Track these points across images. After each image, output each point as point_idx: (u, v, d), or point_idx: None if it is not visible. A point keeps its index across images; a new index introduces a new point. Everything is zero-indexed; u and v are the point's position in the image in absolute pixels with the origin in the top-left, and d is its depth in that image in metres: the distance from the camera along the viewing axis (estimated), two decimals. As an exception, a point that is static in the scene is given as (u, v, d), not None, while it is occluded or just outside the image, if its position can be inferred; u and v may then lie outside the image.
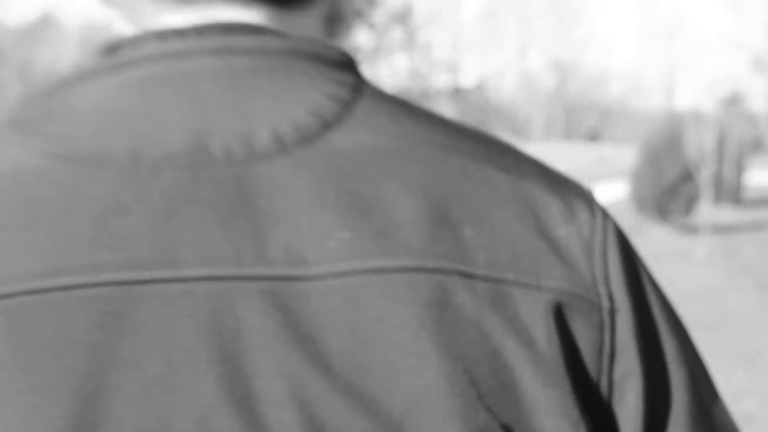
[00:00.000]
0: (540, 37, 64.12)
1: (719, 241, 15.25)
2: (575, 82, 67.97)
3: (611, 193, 27.15)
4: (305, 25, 0.51)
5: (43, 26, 58.97)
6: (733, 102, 28.15)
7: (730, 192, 21.40)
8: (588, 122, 64.60)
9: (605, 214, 0.55)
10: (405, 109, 0.50)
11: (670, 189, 16.23)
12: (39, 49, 55.89)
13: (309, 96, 0.47)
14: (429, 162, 0.47)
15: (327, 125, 0.46)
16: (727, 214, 20.11)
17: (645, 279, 0.51)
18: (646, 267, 0.52)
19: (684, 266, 12.09)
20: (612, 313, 0.47)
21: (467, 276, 0.45)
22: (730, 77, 58.48)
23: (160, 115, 0.46)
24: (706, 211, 14.10)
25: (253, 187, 0.45)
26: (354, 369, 0.43)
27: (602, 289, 0.48)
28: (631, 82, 66.24)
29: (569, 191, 0.53)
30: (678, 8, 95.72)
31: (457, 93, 62.44)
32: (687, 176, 16.23)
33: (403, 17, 58.36)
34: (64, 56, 54.87)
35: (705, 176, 14.17)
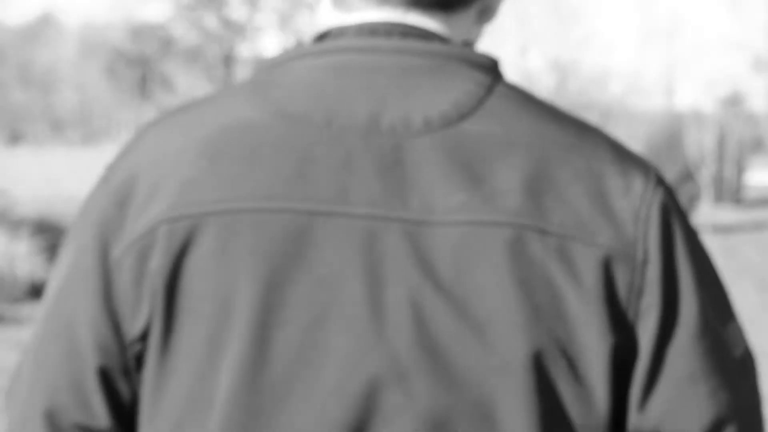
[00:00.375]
0: (540, 37, 64.05)
1: (719, 241, 15.25)
2: (575, 81, 67.89)
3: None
4: (463, 23, 0.73)
5: (43, 26, 58.86)
6: (733, 102, 28.19)
7: (730, 192, 21.41)
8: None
9: (657, 186, 0.70)
10: (523, 105, 0.70)
11: (670, 189, 16.27)
12: (39, 49, 55.80)
13: (454, 92, 0.68)
14: (529, 149, 0.67)
15: (462, 116, 0.67)
16: (727, 214, 20.11)
17: (678, 237, 0.69)
18: (686, 227, 0.70)
19: (683, 266, 12.09)
20: (644, 263, 0.67)
21: (542, 232, 0.66)
22: (730, 77, 58.54)
23: (347, 95, 0.68)
24: (706, 211, 14.10)
25: (404, 155, 0.66)
26: (455, 286, 0.64)
27: (640, 246, 0.67)
28: (631, 81, 66.20)
29: (632, 168, 0.70)
30: (678, 8, 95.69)
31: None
32: (687, 176, 16.24)
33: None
34: (64, 56, 54.83)
35: (705, 176, 14.17)
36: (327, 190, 0.68)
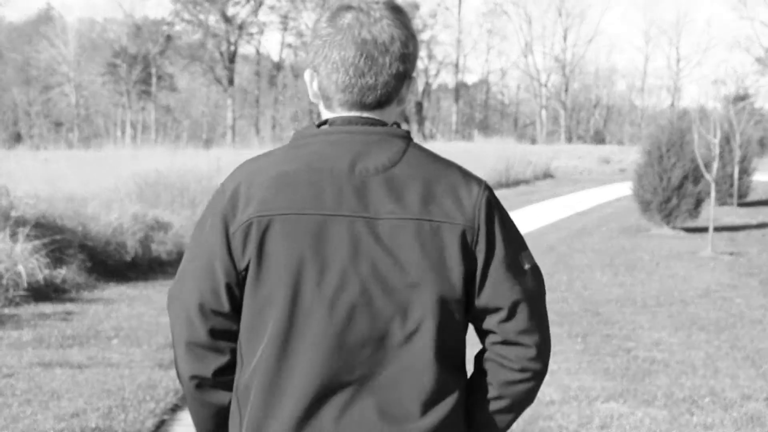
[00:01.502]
0: (544, 36, 64.05)
1: (725, 242, 15.18)
2: (580, 80, 67.91)
3: (617, 192, 27.04)
4: (391, 111, 1.62)
5: (44, 23, 58.77)
6: (739, 101, 28.05)
7: (736, 192, 21.29)
8: (592, 121, 64.47)
9: (485, 190, 1.59)
10: (421, 156, 1.59)
11: (676, 189, 16.13)
12: (39, 47, 55.68)
13: (388, 152, 1.56)
14: (423, 180, 1.55)
15: (393, 165, 1.56)
16: (733, 215, 20.04)
17: (495, 215, 1.58)
18: (499, 210, 1.59)
19: (690, 267, 12.02)
20: (478, 229, 1.54)
21: (429, 221, 1.53)
22: (736, 76, 58.27)
23: (338, 156, 1.55)
24: (712, 212, 14.01)
25: (366, 186, 1.53)
26: (391, 247, 1.52)
27: (476, 222, 1.54)
28: (636, 81, 66.16)
29: (472, 182, 1.59)
30: (683, 7, 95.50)
31: (460, 91, 62.17)
32: (693, 176, 16.14)
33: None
34: (64, 53, 54.69)
35: (711, 176, 14.06)
36: (331, 205, 1.55)
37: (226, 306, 1.57)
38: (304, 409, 1.53)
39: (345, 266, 1.52)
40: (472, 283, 1.55)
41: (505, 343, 1.58)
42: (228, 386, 1.61)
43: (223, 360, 1.60)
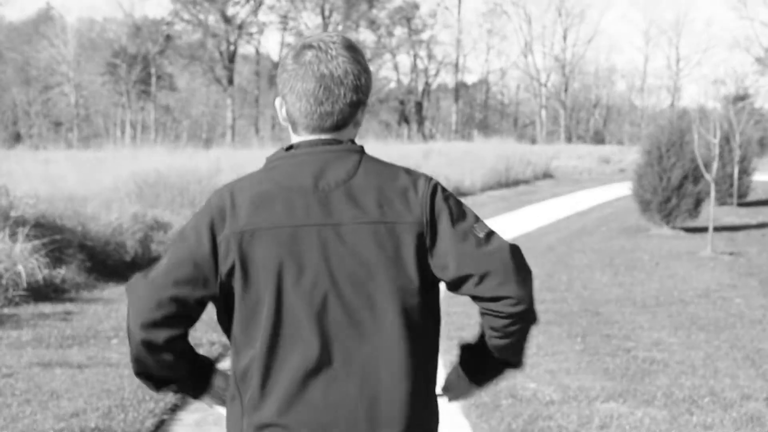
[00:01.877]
0: (544, 36, 64.04)
1: (725, 242, 15.17)
2: (579, 80, 67.84)
3: (616, 192, 27.04)
4: (348, 131, 1.92)
5: (43, 23, 58.72)
6: (739, 101, 28.06)
7: (736, 192, 21.29)
8: (592, 121, 64.43)
9: (429, 183, 1.86)
10: (374, 166, 1.89)
11: (676, 189, 16.13)
12: (38, 46, 55.64)
13: (346, 167, 1.86)
14: (377, 188, 1.84)
15: (350, 177, 1.85)
16: (733, 215, 20.03)
17: (443, 203, 1.85)
18: (445, 196, 1.87)
19: (689, 267, 12.02)
20: (427, 223, 1.82)
21: (384, 223, 1.82)
22: (736, 76, 58.23)
23: (304, 174, 1.85)
24: (712, 212, 14.01)
25: (329, 198, 1.84)
26: (353, 247, 1.81)
27: (424, 218, 1.82)
28: (635, 80, 66.11)
29: (418, 179, 1.87)
30: (683, 6, 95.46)
31: (460, 91, 62.06)
32: (693, 176, 16.14)
33: (407, 16, 57.86)
34: (64, 53, 54.65)
35: (711, 176, 14.06)
36: (301, 217, 1.83)
37: (191, 298, 1.83)
38: (296, 387, 1.81)
39: (317, 267, 1.81)
40: (425, 269, 1.83)
41: (487, 299, 1.82)
42: (174, 350, 1.88)
43: (176, 332, 1.87)
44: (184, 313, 1.85)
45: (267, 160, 1.91)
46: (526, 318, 1.84)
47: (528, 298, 1.82)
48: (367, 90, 1.91)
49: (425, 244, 1.82)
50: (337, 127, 1.88)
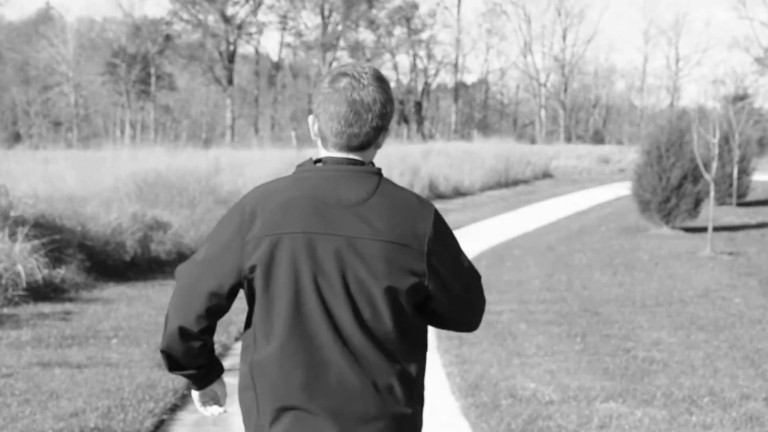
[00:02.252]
0: (543, 36, 64.02)
1: (724, 242, 15.17)
2: (579, 80, 67.79)
3: (616, 192, 27.04)
4: (370, 153, 2.20)
5: (43, 23, 58.66)
6: (739, 101, 28.04)
7: (735, 192, 21.28)
8: (592, 121, 64.40)
9: (433, 214, 2.17)
10: (390, 189, 2.16)
11: (675, 189, 16.12)
12: (38, 46, 55.59)
13: (366, 187, 2.14)
14: (391, 209, 2.13)
15: (369, 197, 2.13)
16: (732, 215, 20.03)
17: (444, 238, 2.18)
18: (444, 229, 2.19)
19: (689, 267, 12.02)
20: (428, 253, 2.13)
21: (393, 243, 2.11)
22: (736, 76, 58.20)
23: (329, 188, 2.13)
24: (711, 212, 14.01)
25: (349, 213, 2.11)
26: (364, 257, 2.10)
27: (425, 247, 2.12)
28: (635, 80, 66.08)
29: (426, 206, 2.18)
30: (683, 6, 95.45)
31: (459, 91, 61.92)
32: (692, 176, 16.13)
33: (406, 16, 57.72)
34: (63, 52, 54.58)
35: (710, 176, 14.06)
36: (322, 225, 2.10)
37: (225, 290, 2.13)
38: (312, 375, 2.09)
39: (332, 270, 2.09)
40: (422, 284, 2.14)
41: (453, 314, 2.23)
42: (203, 339, 2.19)
43: (208, 324, 2.17)
44: (218, 305, 2.15)
45: (297, 169, 2.19)
46: (476, 327, 2.34)
47: (479, 321, 2.32)
48: (390, 117, 2.19)
49: (423, 265, 2.13)
50: (362, 147, 2.16)
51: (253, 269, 2.09)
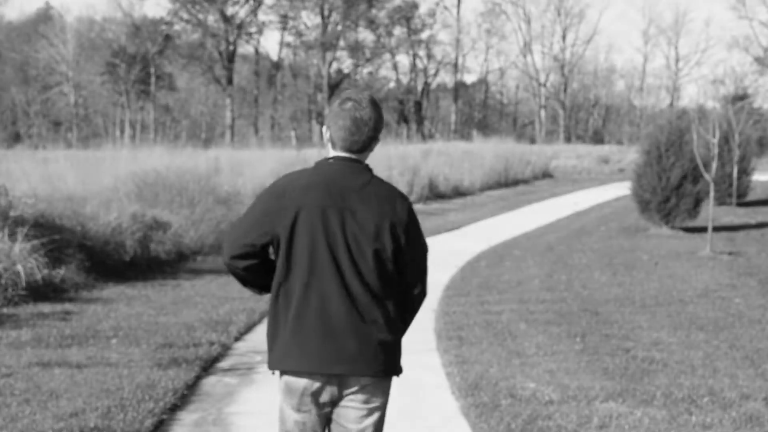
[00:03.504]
0: (543, 35, 63.95)
1: (724, 242, 15.17)
2: (579, 80, 67.75)
3: (615, 192, 27.02)
4: (365, 154, 3.13)
5: (42, 23, 58.58)
6: (738, 100, 28.03)
7: (735, 192, 21.28)
8: (591, 121, 64.38)
9: (406, 201, 3.11)
10: (379, 181, 3.10)
11: (675, 189, 16.12)
12: (37, 46, 55.51)
13: (363, 177, 3.07)
14: (378, 196, 3.05)
15: (366, 185, 3.05)
16: (732, 215, 20.03)
17: (414, 222, 3.11)
18: (416, 218, 3.13)
19: (688, 267, 12.02)
20: (402, 225, 3.05)
21: (383, 218, 3.03)
22: (735, 76, 58.14)
23: (336, 176, 3.05)
24: (711, 212, 14.01)
25: (350, 194, 3.03)
26: (361, 223, 3.01)
27: (403, 221, 3.05)
28: (635, 80, 66.04)
29: (404, 199, 3.12)
30: (682, 6, 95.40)
31: (459, 90, 61.71)
32: (692, 176, 16.13)
33: (406, 16, 57.55)
34: (63, 52, 54.48)
35: (710, 176, 14.06)
36: (331, 201, 3.00)
37: (258, 244, 3.00)
38: (323, 305, 2.96)
39: (336, 230, 2.96)
40: (398, 249, 3.01)
41: (410, 276, 3.09)
42: (249, 271, 3.06)
43: (250, 263, 3.04)
44: (254, 252, 3.02)
45: (315, 164, 3.10)
46: (425, 291, 3.18)
47: (426, 282, 3.17)
48: (380, 130, 3.09)
49: (397, 235, 3.01)
50: (360, 150, 3.06)
51: (284, 228, 2.97)
